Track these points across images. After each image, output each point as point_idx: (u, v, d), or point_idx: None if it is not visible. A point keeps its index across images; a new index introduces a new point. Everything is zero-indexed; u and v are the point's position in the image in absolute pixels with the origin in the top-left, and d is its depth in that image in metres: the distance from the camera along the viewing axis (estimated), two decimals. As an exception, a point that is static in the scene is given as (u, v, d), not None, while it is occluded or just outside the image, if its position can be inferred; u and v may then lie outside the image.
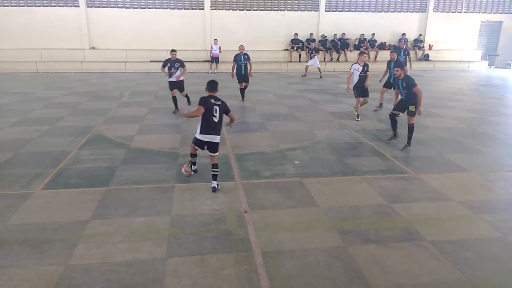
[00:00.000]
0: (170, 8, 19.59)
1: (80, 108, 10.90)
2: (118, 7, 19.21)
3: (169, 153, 7.23)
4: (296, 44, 20.18)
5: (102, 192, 5.48)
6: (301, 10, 20.66)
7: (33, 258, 3.95)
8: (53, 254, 4.02)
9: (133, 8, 19.35)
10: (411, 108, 7.44)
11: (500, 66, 22.14)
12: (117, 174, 6.16)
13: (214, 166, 5.63)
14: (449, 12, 21.88)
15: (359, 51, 10.94)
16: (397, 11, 21.46)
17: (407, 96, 7.52)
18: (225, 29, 19.83)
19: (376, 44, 20.92)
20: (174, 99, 10.38)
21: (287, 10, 20.52)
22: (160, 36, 19.42)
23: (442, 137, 8.50)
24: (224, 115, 5.66)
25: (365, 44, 20.86)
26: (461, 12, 21.93)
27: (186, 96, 10.79)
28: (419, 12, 21.64)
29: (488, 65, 22.05)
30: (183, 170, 6.06)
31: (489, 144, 8.06)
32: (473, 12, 22.03)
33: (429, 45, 21.72)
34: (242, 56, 11.51)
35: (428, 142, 8.10)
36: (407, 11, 21.57)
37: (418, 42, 21.37)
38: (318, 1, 20.51)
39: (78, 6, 18.80)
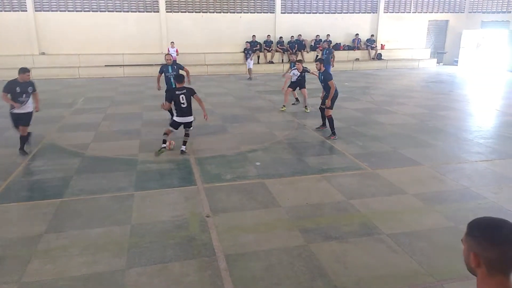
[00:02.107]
0: (124, 11, 19.10)
1: (31, 117, 10.36)
2: (68, 11, 18.48)
3: (127, 160, 7.04)
4: (254, 46, 20.26)
5: (56, 204, 5.25)
6: (257, 12, 20.78)
7: (-18, 278, 3.72)
8: (6, 271, 3.81)
9: (85, 11, 18.68)
10: (327, 102, 8.27)
11: (448, 63, 23.27)
12: (71, 184, 5.92)
13: (187, 135, 7.33)
14: (398, 12, 22.76)
15: (296, 60, 11.46)
16: (350, 12, 22.07)
17: (325, 88, 8.49)
18: (182, 31, 19.59)
19: (331, 44, 21.39)
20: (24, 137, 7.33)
21: (244, 12, 20.58)
22: (115, 40, 18.91)
23: (396, 133, 8.83)
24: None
25: (321, 45, 21.26)
26: (410, 12, 22.88)
27: (27, 137, 7.35)
28: (370, 13, 22.37)
29: (437, 63, 23.09)
30: (167, 146, 7.26)
31: (440, 138, 8.45)
32: (421, 12, 23.04)
33: (381, 44, 22.50)
34: (170, 67, 9.17)
35: (383, 138, 8.39)
36: (359, 12, 22.23)
37: (370, 42, 22.07)
38: (274, 3, 20.72)
39: (26, 11, 17.91)
